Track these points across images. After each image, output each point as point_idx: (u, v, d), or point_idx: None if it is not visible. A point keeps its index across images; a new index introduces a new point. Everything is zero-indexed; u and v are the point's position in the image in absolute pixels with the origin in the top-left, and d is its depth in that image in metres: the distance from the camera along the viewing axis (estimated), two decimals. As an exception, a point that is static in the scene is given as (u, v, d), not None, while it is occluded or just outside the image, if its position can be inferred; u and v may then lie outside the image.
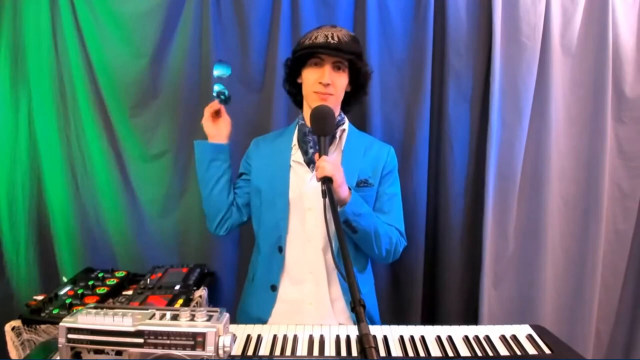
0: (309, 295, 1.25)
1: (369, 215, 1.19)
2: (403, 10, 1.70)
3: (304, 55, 1.22)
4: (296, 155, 1.30)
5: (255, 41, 1.72)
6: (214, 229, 1.38)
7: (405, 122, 1.75)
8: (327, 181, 1.02)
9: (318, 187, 1.18)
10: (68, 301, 1.39)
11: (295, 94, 1.35)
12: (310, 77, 1.23)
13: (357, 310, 0.69)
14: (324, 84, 1.20)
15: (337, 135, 1.28)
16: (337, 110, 1.28)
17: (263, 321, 1.26)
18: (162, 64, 1.76)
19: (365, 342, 0.63)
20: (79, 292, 1.48)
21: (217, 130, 1.35)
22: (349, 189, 1.16)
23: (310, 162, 1.26)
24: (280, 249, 1.26)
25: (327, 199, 0.97)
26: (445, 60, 1.72)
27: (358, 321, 0.67)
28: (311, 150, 1.26)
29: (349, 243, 1.21)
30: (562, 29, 1.70)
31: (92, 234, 1.86)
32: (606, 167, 1.74)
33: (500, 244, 1.79)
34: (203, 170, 1.34)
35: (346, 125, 1.33)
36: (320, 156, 1.07)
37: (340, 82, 1.23)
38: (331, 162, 1.06)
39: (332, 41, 1.18)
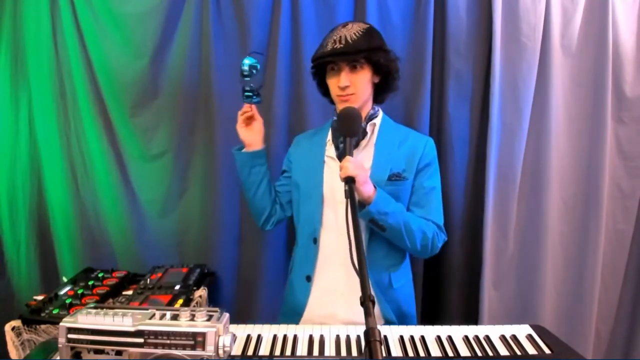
0: (341, 286, 1.26)
1: (397, 213, 1.19)
2: (403, 10, 1.70)
3: (320, 65, 1.26)
4: (330, 150, 1.31)
5: (255, 41, 1.72)
6: (260, 225, 1.44)
7: (406, 121, 1.75)
8: (349, 181, 1.02)
9: None
10: (68, 301, 1.40)
11: (329, 95, 1.36)
12: (331, 84, 1.26)
13: (367, 304, 0.70)
14: (341, 88, 1.21)
15: (369, 130, 1.28)
16: (367, 105, 1.29)
17: (299, 310, 1.29)
18: (162, 64, 1.76)
19: (371, 334, 0.64)
20: (79, 292, 1.48)
21: (252, 135, 1.37)
22: (374, 187, 1.16)
23: (341, 157, 1.27)
24: (315, 240, 1.29)
25: (348, 200, 0.97)
26: (445, 60, 1.72)
27: (366, 315, 0.68)
28: (341, 145, 1.24)
29: (382, 238, 1.23)
30: (562, 29, 1.70)
31: (92, 234, 1.86)
32: (606, 167, 1.74)
33: (500, 244, 1.79)
34: (245, 176, 1.38)
35: (378, 119, 1.32)
36: (344, 157, 1.08)
37: (359, 80, 1.22)
38: (354, 162, 1.07)
39: (338, 45, 1.18)
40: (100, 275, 1.64)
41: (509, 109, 1.71)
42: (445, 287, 1.82)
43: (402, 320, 1.30)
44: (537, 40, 1.67)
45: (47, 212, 1.86)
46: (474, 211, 1.79)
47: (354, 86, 1.21)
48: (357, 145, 1.26)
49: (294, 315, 1.30)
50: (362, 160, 1.24)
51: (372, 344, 0.63)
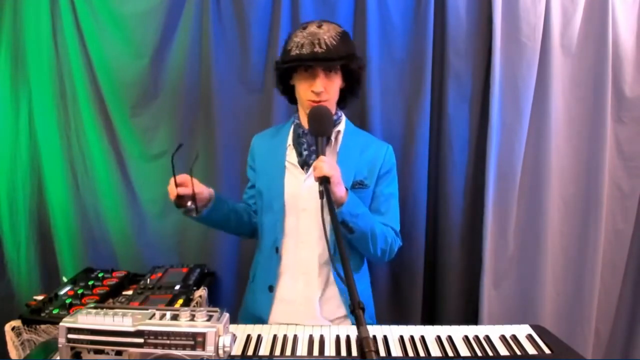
0: (299, 296, 1.26)
1: (365, 216, 1.19)
2: (403, 10, 1.70)
3: (295, 67, 1.20)
4: (291, 156, 1.29)
5: (255, 41, 1.72)
6: (250, 236, 1.46)
7: (405, 122, 1.75)
8: (324, 182, 1.02)
9: (312, 188, 1.18)
10: (68, 301, 1.39)
11: (289, 93, 1.33)
12: (302, 85, 1.21)
13: (357, 313, 0.68)
14: (316, 93, 1.18)
15: (333, 137, 1.27)
16: (333, 110, 1.27)
17: (263, 321, 1.27)
18: (162, 64, 1.76)
19: (365, 345, 0.63)
20: (79, 292, 1.48)
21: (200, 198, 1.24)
22: (346, 189, 1.15)
23: (304, 164, 1.26)
24: (277, 250, 1.27)
25: (324, 200, 0.97)
26: (445, 60, 1.72)
27: (357, 324, 0.67)
28: (305, 152, 1.25)
29: (346, 240, 1.21)
30: (562, 29, 1.70)
31: (92, 234, 1.86)
32: (606, 167, 1.74)
33: (500, 243, 1.79)
34: (214, 226, 1.41)
35: (342, 125, 1.31)
36: (318, 156, 1.07)
37: (333, 87, 1.21)
38: (328, 162, 1.06)
39: (319, 50, 1.14)
40: (100, 275, 1.64)
41: (509, 109, 1.71)
42: (445, 287, 1.82)
43: None
44: (537, 40, 1.67)
45: (47, 212, 1.86)
46: (474, 211, 1.79)
47: (328, 92, 1.19)
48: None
49: (255, 323, 1.27)
50: None
51: (367, 354, 0.62)
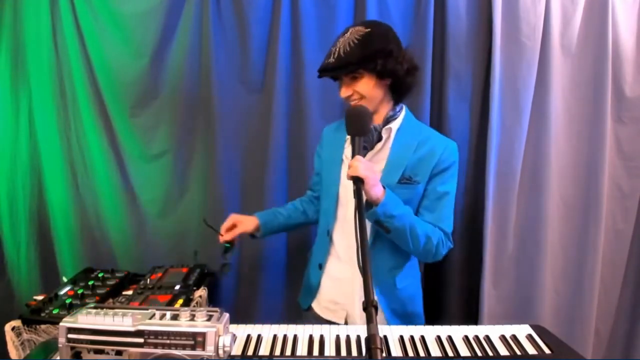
0: (347, 275, 1.32)
1: (404, 216, 1.18)
2: (403, 10, 1.70)
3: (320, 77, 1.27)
4: (347, 150, 1.32)
5: (255, 41, 1.72)
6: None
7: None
8: (357, 181, 1.01)
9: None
10: (68, 301, 1.39)
11: None
12: (340, 92, 1.26)
13: (369, 310, 0.70)
14: (344, 98, 1.23)
15: (384, 134, 1.26)
16: (384, 107, 1.26)
17: (313, 292, 1.40)
18: (162, 64, 1.76)
19: (372, 342, 0.65)
20: (79, 292, 1.48)
21: (245, 228, 1.40)
22: (384, 188, 1.14)
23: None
24: (328, 233, 1.35)
25: (356, 200, 0.96)
26: (445, 60, 1.72)
27: (368, 322, 0.68)
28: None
29: (387, 239, 1.23)
30: (562, 29, 1.70)
31: (92, 234, 1.86)
32: (606, 167, 1.74)
33: (500, 243, 1.79)
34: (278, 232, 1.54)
35: (397, 121, 1.28)
36: (353, 155, 1.07)
37: (362, 87, 1.20)
38: (364, 163, 1.06)
39: (331, 60, 1.18)
40: (100, 275, 1.64)
41: (508, 109, 1.71)
42: (445, 287, 1.82)
43: (408, 319, 1.32)
44: (537, 40, 1.67)
45: (47, 212, 1.86)
46: (474, 211, 1.79)
47: (358, 93, 1.21)
48: (371, 147, 1.26)
49: (308, 296, 1.42)
50: (376, 162, 1.25)
51: (372, 351, 0.64)
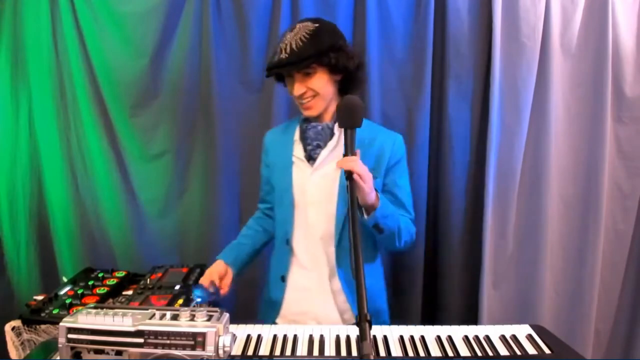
0: (313, 284, 1.29)
1: (394, 215, 1.19)
2: (403, 10, 1.70)
3: (269, 76, 1.24)
4: (297, 150, 1.29)
5: (255, 41, 1.72)
6: None
7: (406, 122, 1.75)
8: (350, 178, 0.99)
9: (319, 181, 1.22)
10: (68, 301, 1.39)
11: None
12: (289, 90, 1.24)
13: (362, 326, 0.65)
14: (297, 96, 1.20)
15: (336, 130, 1.26)
16: (333, 103, 1.25)
17: (276, 308, 1.32)
18: (162, 64, 1.77)
19: None
20: (79, 292, 1.48)
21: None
22: (377, 191, 1.14)
23: (309, 158, 1.26)
24: (288, 242, 1.29)
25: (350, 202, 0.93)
26: (445, 60, 1.72)
27: (361, 339, 0.64)
28: (309, 147, 1.26)
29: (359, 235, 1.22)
30: (562, 29, 1.70)
31: (92, 234, 1.86)
32: (606, 167, 1.74)
33: (500, 244, 1.79)
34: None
35: None
36: (346, 151, 1.02)
37: (315, 83, 1.19)
38: (362, 165, 1.05)
39: (283, 56, 1.15)
40: (100, 275, 1.64)
41: (509, 109, 1.71)
42: (445, 287, 1.82)
43: (374, 315, 1.30)
44: (537, 41, 1.67)
45: (47, 212, 1.86)
46: (474, 211, 1.79)
47: (312, 90, 1.19)
48: (325, 145, 1.24)
49: (271, 312, 1.34)
50: (332, 160, 1.22)
51: None
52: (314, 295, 1.28)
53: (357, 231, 0.82)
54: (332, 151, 1.25)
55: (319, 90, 1.19)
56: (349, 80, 1.26)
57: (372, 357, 0.61)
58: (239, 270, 1.33)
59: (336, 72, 1.22)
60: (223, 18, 1.72)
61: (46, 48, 1.75)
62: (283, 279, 1.31)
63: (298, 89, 1.18)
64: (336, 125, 1.25)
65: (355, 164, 1.02)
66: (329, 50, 1.17)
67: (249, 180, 1.82)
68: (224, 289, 1.24)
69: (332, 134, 1.25)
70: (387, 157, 1.27)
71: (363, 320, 0.66)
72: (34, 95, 1.79)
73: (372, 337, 0.65)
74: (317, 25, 1.18)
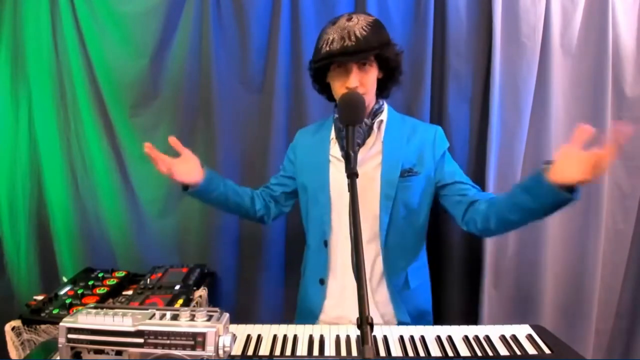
0: (352, 291, 1.22)
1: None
2: (403, 10, 1.70)
3: (326, 65, 1.16)
4: (334, 149, 1.26)
5: (255, 41, 1.72)
6: (257, 222, 1.43)
7: (405, 122, 1.75)
8: (353, 176, 0.96)
9: (359, 181, 1.13)
10: (68, 301, 1.40)
11: (326, 92, 1.28)
12: (337, 82, 1.17)
13: (363, 329, 0.63)
14: (351, 89, 1.13)
15: (375, 127, 1.23)
16: (372, 101, 1.23)
17: (315, 313, 1.27)
18: (162, 64, 1.76)
19: None
20: (79, 292, 1.48)
21: (187, 172, 1.21)
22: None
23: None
24: (326, 243, 1.26)
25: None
26: (445, 60, 1.72)
27: (363, 342, 0.62)
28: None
29: (398, 237, 1.21)
30: (562, 29, 1.70)
31: (92, 234, 1.86)
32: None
33: (500, 244, 1.79)
34: (210, 203, 1.32)
35: (384, 114, 1.25)
36: (347, 148, 0.99)
37: (369, 79, 1.16)
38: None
39: (349, 43, 1.08)
40: (100, 275, 1.64)
41: (509, 109, 1.71)
42: (445, 287, 1.82)
43: (419, 319, 1.29)
44: (537, 41, 1.67)
45: (47, 212, 1.86)
46: (474, 211, 1.79)
47: (364, 86, 1.15)
48: (363, 143, 1.22)
49: (310, 318, 1.29)
50: (371, 158, 1.21)
51: None
52: (354, 299, 1.25)
53: (358, 232, 0.79)
54: (370, 149, 1.23)
55: (370, 85, 1.17)
56: (390, 79, 1.24)
57: None
58: (201, 189, 1.23)
59: (385, 69, 1.19)
60: (223, 18, 1.72)
61: (46, 48, 1.75)
62: (322, 282, 1.28)
63: (354, 80, 1.12)
64: (375, 121, 1.22)
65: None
66: (388, 44, 1.16)
67: (249, 180, 1.82)
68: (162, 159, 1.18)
69: (370, 131, 1.22)
70: (430, 151, 1.24)
71: (364, 323, 0.64)
72: (34, 95, 1.79)
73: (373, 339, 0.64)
74: (374, 18, 1.16)
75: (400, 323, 1.25)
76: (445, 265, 1.81)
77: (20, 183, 1.85)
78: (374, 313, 1.23)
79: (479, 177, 1.77)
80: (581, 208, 1.79)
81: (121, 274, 1.67)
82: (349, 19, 1.13)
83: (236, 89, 1.77)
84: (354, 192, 0.87)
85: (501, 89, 1.69)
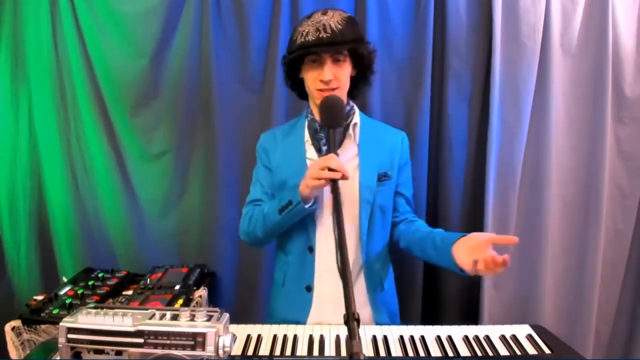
0: (341, 292, 1.23)
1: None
2: (403, 10, 1.70)
3: (297, 56, 1.15)
4: (310, 152, 1.23)
5: (255, 41, 1.72)
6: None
7: (405, 122, 1.75)
8: (333, 181, 0.98)
9: (340, 183, 1.09)
10: (68, 301, 1.39)
11: (299, 88, 1.27)
12: (310, 76, 1.16)
13: (351, 325, 0.64)
14: (325, 82, 1.13)
15: (350, 130, 1.21)
16: (345, 99, 1.21)
17: (301, 322, 1.21)
18: (162, 64, 1.76)
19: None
20: (79, 292, 1.48)
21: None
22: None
23: (329, 151, 1.19)
24: (311, 249, 1.22)
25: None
26: (445, 60, 1.72)
27: (350, 337, 0.63)
28: (324, 147, 1.19)
29: (376, 242, 1.23)
30: (562, 29, 1.70)
31: (92, 234, 1.86)
32: (606, 167, 1.74)
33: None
34: (284, 224, 1.19)
35: (357, 116, 1.24)
36: (330, 150, 1.02)
37: (343, 73, 1.15)
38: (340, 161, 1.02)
39: (324, 35, 1.08)
40: (100, 275, 1.64)
41: (509, 109, 1.71)
42: (445, 287, 1.82)
43: (392, 319, 1.30)
44: (537, 41, 1.67)
45: (47, 212, 1.86)
46: (474, 211, 1.79)
47: (338, 80, 1.14)
48: (340, 145, 1.20)
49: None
50: (349, 160, 1.20)
51: None
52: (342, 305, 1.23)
53: (342, 232, 0.82)
54: (346, 152, 1.21)
55: (344, 80, 1.17)
56: (359, 79, 1.24)
57: (362, 357, 0.60)
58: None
59: (358, 67, 1.19)
60: (223, 18, 1.72)
61: (46, 48, 1.75)
62: (309, 289, 1.22)
63: (328, 73, 1.12)
64: (351, 124, 1.21)
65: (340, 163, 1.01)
66: (362, 40, 1.16)
67: (249, 180, 1.82)
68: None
69: (346, 133, 1.21)
70: (398, 157, 1.26)
71: (351, 319, 0.65)
72: (34, 95, 1.79)
73: (359, 335, 0.64)
74: (348, 15, 1.16)
75: (377, 324, 1.24)
76: (445, 265, 1.81)
77: (20, 183, 1.85)
78: (362, 316, 1.22)
79: (479, 177, 1.77)
80: (581, 208, 1.80)
81: (121, 274, 1.67)
82: (324, 13, 1.14)
83: (236, 89, 1.77)
84: (337, 193, 0.90)
85: (501, 89, 1.69)
